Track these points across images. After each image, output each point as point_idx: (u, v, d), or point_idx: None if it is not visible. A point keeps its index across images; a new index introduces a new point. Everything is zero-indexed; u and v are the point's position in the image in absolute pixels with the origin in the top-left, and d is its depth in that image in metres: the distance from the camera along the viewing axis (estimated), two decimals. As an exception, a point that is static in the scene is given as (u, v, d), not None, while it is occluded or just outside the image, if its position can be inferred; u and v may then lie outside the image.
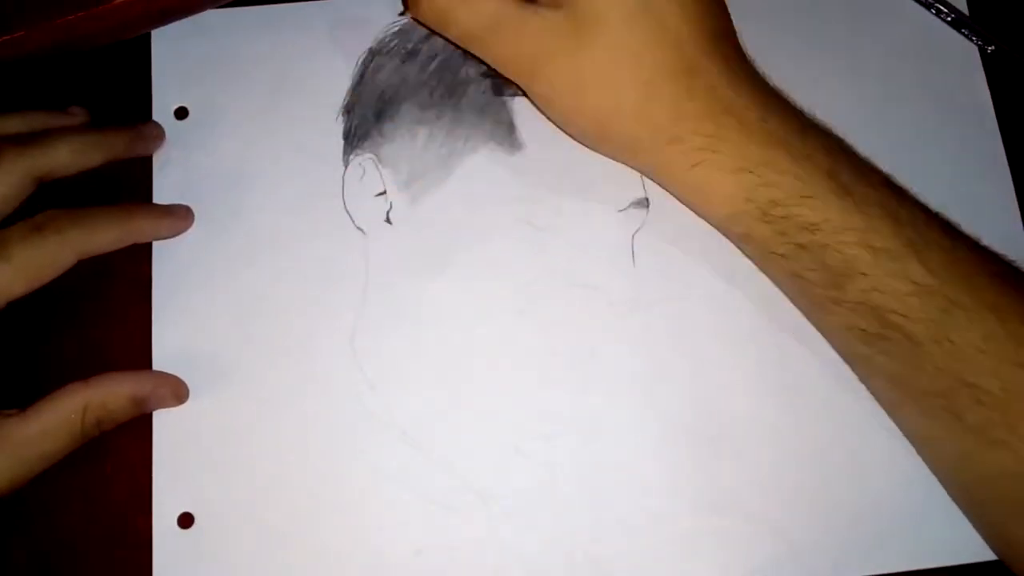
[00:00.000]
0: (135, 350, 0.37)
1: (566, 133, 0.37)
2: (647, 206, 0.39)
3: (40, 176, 0.36)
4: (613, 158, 0.37)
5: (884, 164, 0.40)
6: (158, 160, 0.40)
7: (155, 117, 0.40)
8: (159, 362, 0.38)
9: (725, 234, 0.35)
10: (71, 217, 0.35)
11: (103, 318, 0.38)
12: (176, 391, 0.37)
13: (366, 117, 0.40)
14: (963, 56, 0.42)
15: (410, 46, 0.40)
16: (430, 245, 0.39)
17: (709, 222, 0.36)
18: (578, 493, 0.37)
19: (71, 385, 0.34)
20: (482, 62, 0.36)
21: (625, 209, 0.39)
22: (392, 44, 0.41)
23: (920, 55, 0.42)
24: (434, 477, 0.37)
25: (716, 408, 0.37)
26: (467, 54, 0.37)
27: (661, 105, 0.33)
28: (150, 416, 0.37)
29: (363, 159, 0.40)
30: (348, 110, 0.40)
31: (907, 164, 0.40)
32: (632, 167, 0.37)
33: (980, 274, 0.32)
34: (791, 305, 0.36)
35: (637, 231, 0.39)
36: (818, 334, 0.36)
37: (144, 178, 0.39)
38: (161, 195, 0.39)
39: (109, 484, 0.37)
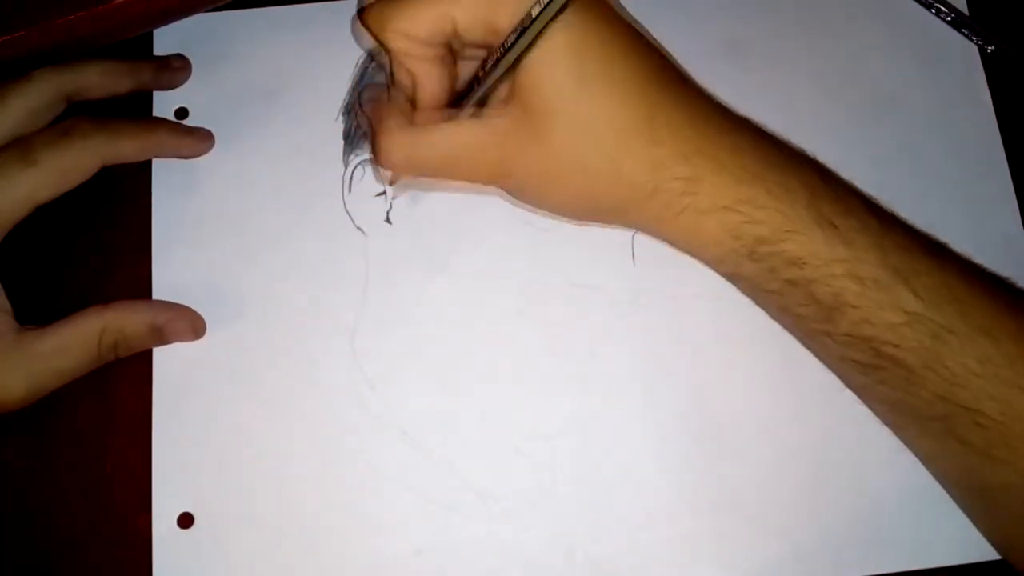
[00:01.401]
0: (135, 352, 0.37)
1: (553, 217, 0.36)
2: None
3: (70, 94, 0.37)
4: (605, 226, 0.36)
5: (884, 164, 0.40)
6: (158, 160, 0.40)
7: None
8: (159, 360, 0.38)
9: (718, 273, 0.35)
10: (96, 124, 0.36)
11: (103, 318, 0.38)
12: (194, 324, 0.37)
13: (366, 117, 0.40)
14: (963, 56, 0.42)
15: (410, 46, 0.40)
16: (430, 245, 0.39)
17: (703, 263, 0.35)
18: (578, 493, 0.37)
19: (91, 307, 0.35)
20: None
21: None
22: (392, 44, 0.40)
23: (920, 55, 0.42)
24: (434, 477, 0.37)
25: (716, 408, 0.37)
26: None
27: (632, 163, 0.32)
28: (150, 415, 0.37)
29: (363, 159, 0.40)
30: (348, 110, 0.40)
31: (907, 164, 0.40)
32: (626, 228, 0.36)
33: (971, 296, 0.32)
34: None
35: (637, 231, 0.39)
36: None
37: (144, 178, 0.39)
38: (161, 195, 0.39)
39: (109, 484, 0.37)
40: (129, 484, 0.37)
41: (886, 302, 0.31)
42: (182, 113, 0.40)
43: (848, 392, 0.36)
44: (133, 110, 0.40)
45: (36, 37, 0.36)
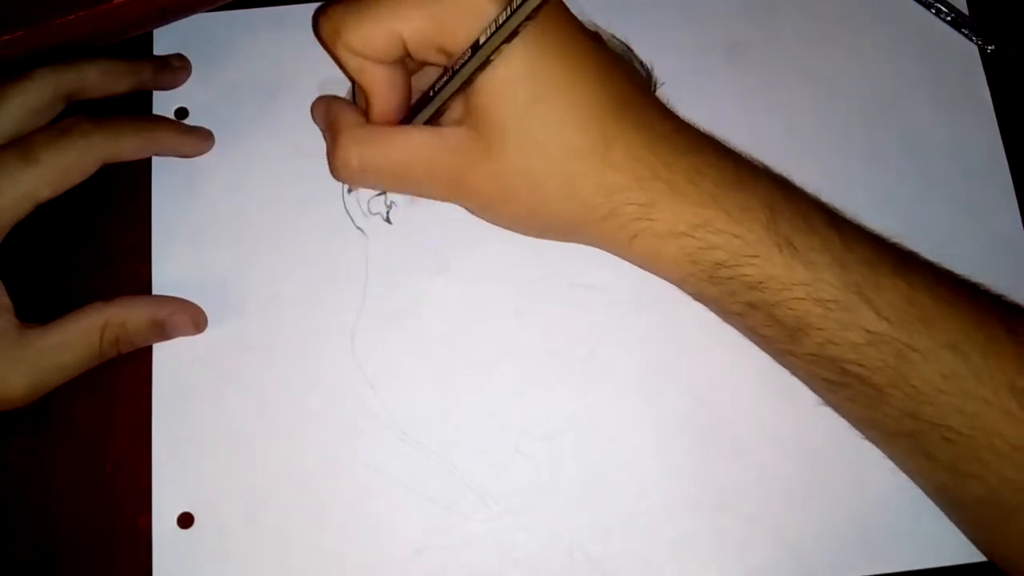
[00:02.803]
0: (134, 353, 0.37)
1: (511, 231, 0.36)
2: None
3: (69, 93, 0.36)
4: (558, 241, 0.36)
5: (884, 164, 0.40)
6: (158, 159, 0.40)
7: (155, 117, 0.40)
8: (159, 361, 0.38)
9: (684, 292, 0.35)
10: (95, 123, 0.36)
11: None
12: (195, 319, 0.37)
13: (366, 117, 0.40)
14: (963, 56, 0.42)
15: (410, 46, 0.40)
16: (430, 245, 0.39)
17: (668, 282, 0.35)
18: (578, 493, 0.37)
19: (92, 304, 0.35)
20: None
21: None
22: (392, 44, 0.41)
23: (920, 55, 0.42)
24: (434, 477, 0.37)
25: (716, 408, 0.37)
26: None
27: (586, 185, 0.32)
28: (150, 415, 0.37)
29: (363, 159, 0.40)
30: (348, 110, 0.40)
31: (907, 164, 0.40)
32: (580, 244, 0.36)
33: (937, 310, 0.31)
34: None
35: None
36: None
37: (144, 178, 0.39)
38: (161, 195, 0.39)
39: (109, 484, 0.37)
40: (129, 484, 0.37)
41: (848, 322, 0.31)
42: (182, 113, 0.40)
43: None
44: (133, 110, 0.40)
45: (36, 37, 0.36)
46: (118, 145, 0.36)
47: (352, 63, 0.33)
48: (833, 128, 0.40)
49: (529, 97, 0.32)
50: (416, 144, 0.33)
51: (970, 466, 0.31)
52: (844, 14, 0.42)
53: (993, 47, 0.41)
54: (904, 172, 0.40)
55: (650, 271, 0.35)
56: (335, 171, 0.35)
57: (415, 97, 0.35)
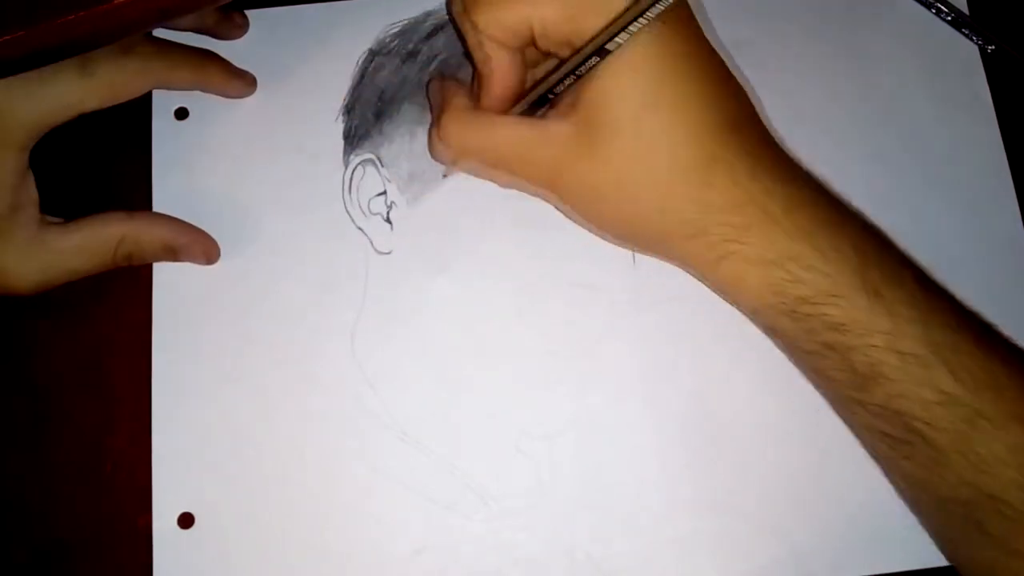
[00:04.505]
0: (135, 352, 0.37)
1: (592, 232, 0.36)
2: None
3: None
4: (642, 252, 0.37)
5: (885, 164, 0.40)
6: (158, 160, 0.40)
7: (155, 117, 0.40)
8: (159, 364, 0.38)
9: (753, 323, 0.35)
10: (157, 48, 0.37)
11: (102, 320, 0.38)
12: (207, 250, 0.38)
13: (366, 117, 0.40)
14: (963, 56, 0.42)
15: (410, 46, 0.40)
16: (430, 245, 0.39)
17: (740, 311, 0.35)
18: (578, 493, 0.37)
19: (116, 213, 0.36)
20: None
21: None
22: (392, 44, 0.41)
23: (920, 55, 0.42)
24: (434, 477, 0.37)
25: (716, 408, 0.37)
26: (465, 54, 0.37)
27: (682, 200, 0.32)
28: (150, 414, 0.37)
29: (363, 159, 0.40)
30: (348, 110, 0.40)
31: (908, 164, 0.40)
32: (662, 260, 0.36)
33: (1011, 383, 0.31)
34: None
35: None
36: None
37: (144, 178, 0.39)
38: (161, 195, 0.39)
39: (109, 484, 0.37)
40: (129, 484, 0.37)
41: (923, 379, 0.31)
42: (182, 113, 0.40)
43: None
44: (132, 110, 0.40)
45: (36, 37, 0.36)
46: (171, 73, 0.37)
47: (476, 41, 0.33)
48: (834, 127, 0.40)
49: (643, 102, 0.31)
50: (518, 135, 0.33)
51: (1021, 543, 0.30)
52: (845, 14, 0.42)
53: (993, 47, 0.41)
54: (904, 172, 0.40)
55: (729, 297, 0.34)
56: (432, 149, 0.35)
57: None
